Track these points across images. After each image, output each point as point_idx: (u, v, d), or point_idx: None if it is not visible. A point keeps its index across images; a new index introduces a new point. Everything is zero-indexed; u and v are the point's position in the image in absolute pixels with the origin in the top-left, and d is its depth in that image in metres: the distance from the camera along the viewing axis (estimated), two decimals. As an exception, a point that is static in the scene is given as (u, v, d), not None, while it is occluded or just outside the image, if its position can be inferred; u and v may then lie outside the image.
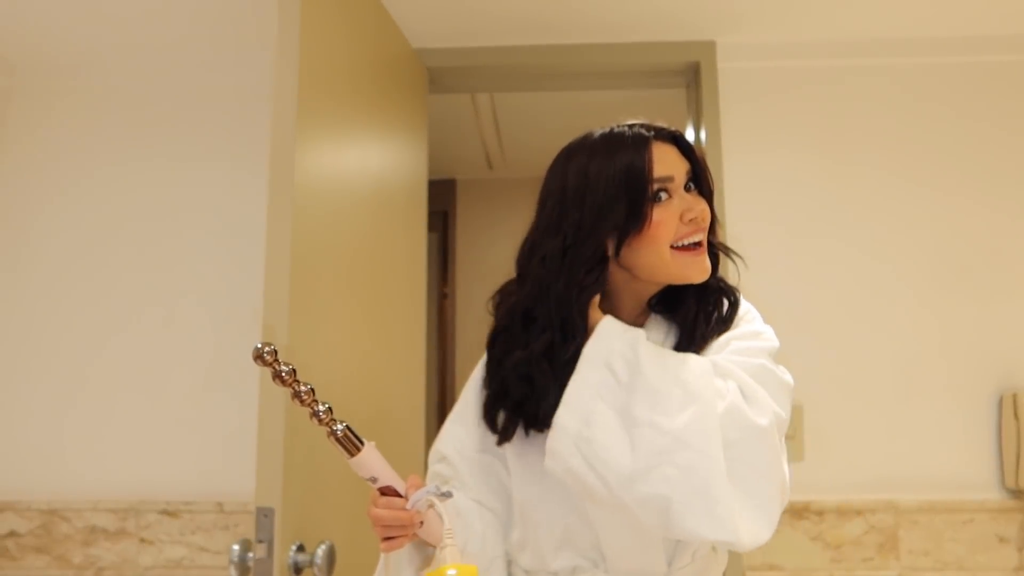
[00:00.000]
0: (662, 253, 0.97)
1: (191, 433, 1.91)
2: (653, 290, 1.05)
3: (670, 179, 0.99)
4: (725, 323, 1.03)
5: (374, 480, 0.89)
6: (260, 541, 1.19)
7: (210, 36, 1.94)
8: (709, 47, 2.00)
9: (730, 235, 1.94)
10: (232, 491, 1.87)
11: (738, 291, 1.07)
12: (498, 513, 1.06)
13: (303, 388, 0.86)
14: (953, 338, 1.90)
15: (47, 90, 2.08)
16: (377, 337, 1.63)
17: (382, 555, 0.99)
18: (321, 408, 0.87)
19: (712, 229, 1.04)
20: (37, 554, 1.89)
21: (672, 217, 0.97)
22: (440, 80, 2.08)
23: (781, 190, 1.98)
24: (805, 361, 1.89)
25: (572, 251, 0.97)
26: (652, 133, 1.00)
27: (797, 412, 1.87)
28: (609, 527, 0.97)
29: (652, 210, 0.96)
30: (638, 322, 1.07)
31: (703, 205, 1.00)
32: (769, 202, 1.97)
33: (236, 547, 1.21)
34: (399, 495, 0.90)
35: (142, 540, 1.88)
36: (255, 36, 1.90)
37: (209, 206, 2.01)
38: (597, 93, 2.23)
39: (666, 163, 0.99)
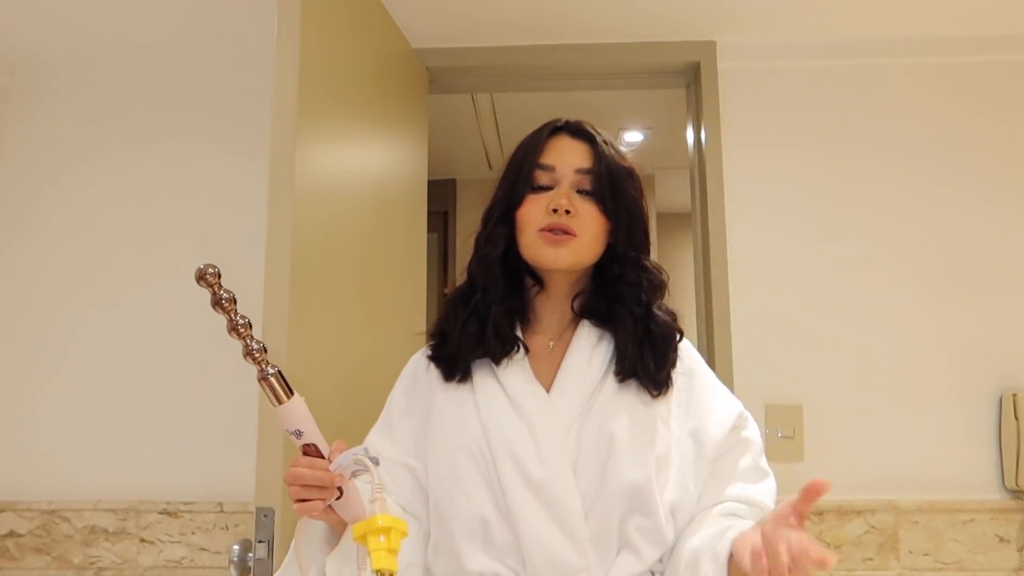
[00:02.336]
0: (527, 233, 1.05)
1: (191, 433, 1.91)
2: (561, 282, 1.08)
3: (551, 168, 1.05)
4: (668, 355, 1.04)
5: (299, 434, 0.86)
6: (260, 541, 1.19)
7: (210, 37, 1.94)
8: (709, 47, 2.01)
9: (730, 235, 1.94)
10: (232, 491, 1.87)
11: (681, 330, 1.08)
12: (420, 520, 1.04)
13: (240, 320, 0.82)
14: (953, 338, 1.90)
15: (47, 90, 2.08)
16: (377, 337, 1.63)
17: (293, 542, 0.98)
18: (255, 345, 0.83)
19: (639, 247, 1.06)
20: (37, 554, 1.89)
21: (539, 205, 1.04)
22: (440, 80, 2.08)
23: (781, 190, 1.97)
24: (805, 361, 1.89)
25: (486, 213, 1.10)
26: (561, 125, 1.08)
27: (797, 412, 1.87)
28: (529, 520, 0.95)
29: (527, 194, 1.05)
30: (568, 328, 1.08)
31: (576, 204, 1.02)
32: (769, 202, 1.97)
33: (236, 547, 1.22)
34: (322, 456, 0.87)
35: (142, 540, 1.88)
36: (255, 36, 1.90)
37: (209, 206, 2.01)
38: (597, 93, 2.24)
39: (555, 154, 1.06)
